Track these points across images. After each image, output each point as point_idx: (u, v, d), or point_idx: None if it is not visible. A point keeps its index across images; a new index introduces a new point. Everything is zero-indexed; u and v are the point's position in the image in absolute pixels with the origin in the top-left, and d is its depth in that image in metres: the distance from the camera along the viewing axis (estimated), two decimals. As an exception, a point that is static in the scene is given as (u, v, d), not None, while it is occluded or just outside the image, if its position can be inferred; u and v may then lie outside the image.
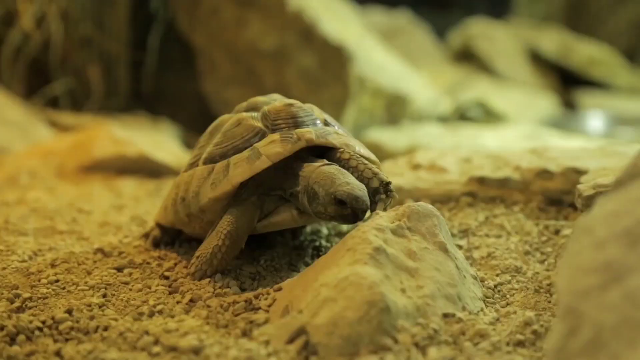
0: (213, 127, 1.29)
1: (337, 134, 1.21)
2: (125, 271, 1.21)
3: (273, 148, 1.14)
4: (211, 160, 1.20)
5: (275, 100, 1.26)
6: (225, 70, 2.46)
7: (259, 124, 1.20)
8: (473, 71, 4.41)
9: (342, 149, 1.18)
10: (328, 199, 1.08)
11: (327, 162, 1.15)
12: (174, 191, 1.26)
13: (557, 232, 1.34)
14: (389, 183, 1.15)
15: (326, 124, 1.24)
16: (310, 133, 1.17)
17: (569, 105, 4.22)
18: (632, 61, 4.36)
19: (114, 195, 1.77)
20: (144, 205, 1.69)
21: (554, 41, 4.28)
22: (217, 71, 2.47)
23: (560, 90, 4.34)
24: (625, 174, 0.86)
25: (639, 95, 4.16)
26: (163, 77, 2.60)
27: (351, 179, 1.10)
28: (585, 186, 1.24)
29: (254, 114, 1.23)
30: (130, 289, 1.14)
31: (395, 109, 2.63)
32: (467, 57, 4.64)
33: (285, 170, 1.16)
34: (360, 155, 1.19)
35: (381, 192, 1.15)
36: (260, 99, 1.28)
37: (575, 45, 4.24)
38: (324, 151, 1.19)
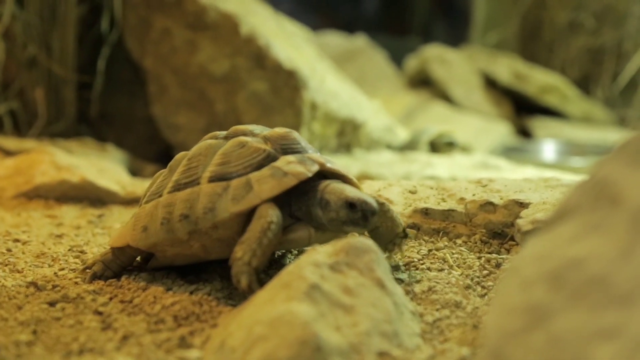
0: (172, 164, 1.32)
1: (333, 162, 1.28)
2: (58, 306, 1.17)
3: (296, 168, 1.20)
4: (221, 178, 1.21)
5: (256, 129, 1.29)
6: (175, 94, 2.43)
7: (266, 147, 1.24)
8: (429, 97, 4.44)
9: (347, 176, 1.27)
10: (340, 204, 1.17)
11: (334, 180, 1.24)
12: (164, 210, 1.24)
13: (498, 265, 1.33)
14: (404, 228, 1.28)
15: None
16: (321, 158, 1.24)
17: (523, 133, 4.27)
18: (584, 90, 4.43)
19: (54, 224, 1.73)
20: (85, 234, 1.65)
21: (508, 69, 4.34)
22: (167, 95, 2.44)
23: (515, 118, 4.39)
24: (555, 213, 0.85)
25: (591, 124, 4.23)
26: (111, 101, 2.56)
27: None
28: (524, 221, 1.25)
29: (251, 138, 1.26)
30: (62, 325, 1.11)
31: (348, 136, 2.63)
32: (424, 83, 4.68)
33: (292, 190, 1.20)
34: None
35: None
36: (241, 127, 1.30)
37: (529, 73, 4.30)
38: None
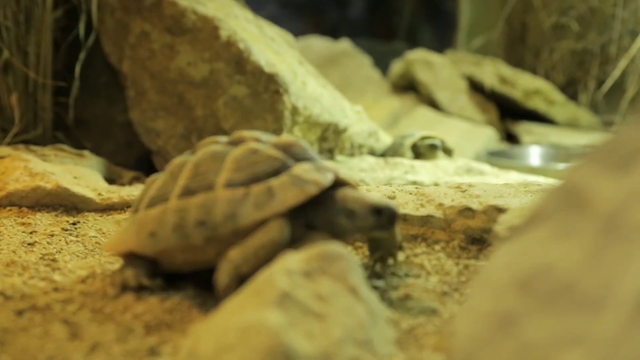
0: (174, 170, 1.29)
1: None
2: (26, 315, 1.15)
3: (314, 176, 1.21)
4: (237, 184, 1.21)
5: (262, 136, 1.29)
6: (154, 99, 2.41)
7: (277, 154, 1.23)
8: (414, 102, 4.43)
9: (355, 184, 1.30)
10: (366, 212, 1.20)
11: (346, 187, 1.26)
12: (175, 216, 1.22)
13: (476, 272, 1.32)
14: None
15: None
16: (332, 166, 1.26)
17: (509, 138, 4.27)
18: (569, 94, 4.44)
19: (27, 232, 1.69)
20: (59, 242, 1.62)
21: (493, 74, 4.33)
22: (145, 100, 2.42)
23: (500, 122, 4.39)
24: (527, 219, 0.85)
25: (577, 129, 4.23)
26: (89, 106, 2.53)
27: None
28: (502, 227, 1.23)
29: (261, 144, 1.25)
30: (29, 335, 1.08)
31: (330, 141, 2.61)
32: (409, 88, 4.67)
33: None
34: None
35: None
36: (246, 133, 1.30)
37: (514, 78, 4.30)
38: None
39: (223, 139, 1.32)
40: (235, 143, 1.28)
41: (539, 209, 0.84)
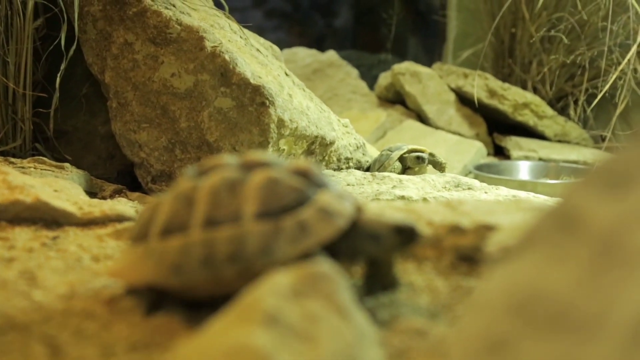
0: (186, 195, 1.24)
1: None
2: (4, 335, 1.12)
3: (339, 206, 1.21)
4: (268, 217, 1.18)
5: (273, 159, 1.27)
6: (136, 110, 2.37)
7: (298, 183, 1.22)
8: (401, 115, 4.43)
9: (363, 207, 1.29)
10: (391, 233, 1.21)
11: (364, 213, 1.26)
12: (202, 250, 1.18)
13: (467, 291, 1.30)
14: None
15: None
16: (347, 193, 1.27)
17: (497, 151, 4.27)
18: (558, 108, 4.44)
19: (5, 247, 1.65)
20: (38, 257, 1.58)
21: (481, 87, 4.33)
22: (128, 112, 2.38)
23: (489, 136, 4.38)
24: (522, 241, 0.83)
25: (565, 144, 4.23)
26: (70, 118, 2.49)
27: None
28: (493, 247, 1.21)
29: (277, 172, 1.22)
30: (8, 356, 1.05)
31: (317, 154, 2.59)
32: (396, 100, 4.67)
33: None
34: None
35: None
36: (257, 157, 1.26)
37: (502, 91, 4.29)
38: None
39: (231, 160, 1.28)
40: (248, 167, 1.25)
41: (533, 230, 0.83)
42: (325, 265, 1.08)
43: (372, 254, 1.26)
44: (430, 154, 2.89)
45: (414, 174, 2.78)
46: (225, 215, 1.20)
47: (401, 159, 2.82)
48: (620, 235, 0.72)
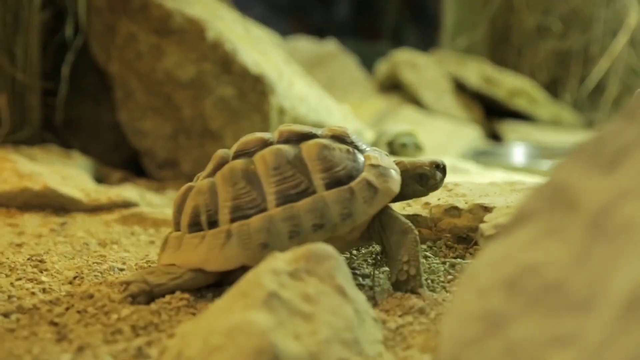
0: (245, 174, 1.26)
1: None
2: (13, 317, 1.14)
3: (387, 162, 1.29)
4: (337, 183, 1.24)
5: (310, 129, 1.31)
6: (141, 100, 2.40)
7: (346, 146, 1.28)
8: (399, 101, 4.43)
9: None
10: (432, 168, 1.34)
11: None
12: (287, 224, 1.22)
13: (463, 270, 1.32)
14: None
15: None
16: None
17: (493, 136, 4.29)
18: (552, 93, 4.46)
19: (14, 233, 1.69)
20: (46, 243, 1.62)
21: (478, 73, 4.35)
22: (132, 101, 2.41)
23: (485, 122, 4.40)
24: (513, 218, 0.84)
25: (560, 127, 4.26)
26: (77, 107, 2.52)
27: None
28: (487, 226, 1.24)
29: (326, 140, 1.28)
30: (16, 337, 1.08)
31: (317, 140, 2.61)
32: (394, 88, 4.67)
33: None
34: None
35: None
36: (295, 128, 1.30)
37: (498, 77, 4.32)
38: None
39: (270, 135, 1.30)
40: (290, 139, 1.28)
41: (524, 207, 0.84)
42: (324, 245, 1.10)
43: (420, 194, 1.37)
44: (409, 133, 2.88)
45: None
46: (295, 187, 1.24)
47: (389, 143, 2.83)
48: (610, 211, 0.73)
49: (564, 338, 0.67)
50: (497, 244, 0.83)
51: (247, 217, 1.24)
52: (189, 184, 1.32)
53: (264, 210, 1.24)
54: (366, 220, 1.24)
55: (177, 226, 1.31)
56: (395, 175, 1.27)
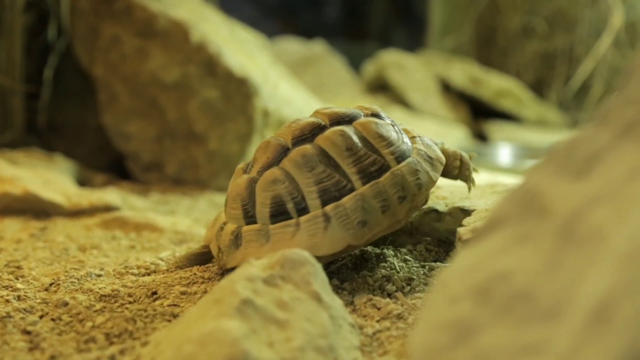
0: (322, 158, 1.28)
1: None
2: (-16, 326, 1.13)
3: (427, 136, 1.40)
4: (403, 156, 1.30)
5: (347, 109, 1.35)
6: (125, 103, 2.39)
7: (387, 120, 1.35)
8: (387, 102, 4.44)
9: None
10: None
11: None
12: (377, 200, 1.26)
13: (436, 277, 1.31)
14: None
15: None
16: None
17: (480, 137, 4.30)
18: (538, 94, 4.49)
19: (-7, 238, 1.68)
20: (25, 248, 1.61)
21: (464, 74, 4.37)
22: (117, 104, 2.40)
23: (471, 122, 4.42)
24: (486, 224, 0.84)
25: (546, 128, 4.27)
26: (61, 111, 2.51)
27: None
28: (465, 230, 1.23)
29: (372, 118, 1.33)
30: (-13, 346, 1.07)
31: (303, 142, 2.60)
32: (381, 88, 4.68)
33: None
34: None
35: None
36: (335, 109, 1.33)
37: (484, 78, 4.34)
38: None
39: (314, 119, 1.32)
40: (339, 122, 1.31)
41: (497, 213, 0.83)
42: (300, 251, 1.10)
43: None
44: None
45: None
46: (373, 165, 1.27)
47: None
48: (581, 218, 0.72)
49: (533, 347, 0.66)
50: (469, 251, 0.82)
51: (337, 198, 1.25)
52: (246, 176, 1.31)
53: (352, 190, 1.26)
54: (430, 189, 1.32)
55: (248, 220, 1.29)
56: (433, 144, 1.37)
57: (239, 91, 2.36)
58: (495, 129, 4.17)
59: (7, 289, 1.31)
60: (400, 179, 1.27)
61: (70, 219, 1.88)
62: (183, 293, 1.25)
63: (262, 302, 1.00)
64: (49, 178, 2.05)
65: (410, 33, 6.44)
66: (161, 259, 1.48)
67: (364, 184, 1.26)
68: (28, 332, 1.11)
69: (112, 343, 1.08)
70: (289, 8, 6.77)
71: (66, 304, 1.21)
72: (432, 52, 4.99)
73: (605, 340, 0.61)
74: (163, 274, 1.39)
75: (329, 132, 1.28)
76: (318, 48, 5.06)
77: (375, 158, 1.27)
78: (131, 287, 1.29)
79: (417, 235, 1.46)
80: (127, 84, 2.42)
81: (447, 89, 4.48)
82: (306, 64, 4.75)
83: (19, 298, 1.26)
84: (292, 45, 5.04)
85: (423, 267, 1.35)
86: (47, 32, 2.43)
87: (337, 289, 1.26)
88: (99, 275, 1.39)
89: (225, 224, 1.32)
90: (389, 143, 1.29)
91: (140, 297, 1.25)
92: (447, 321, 0.74)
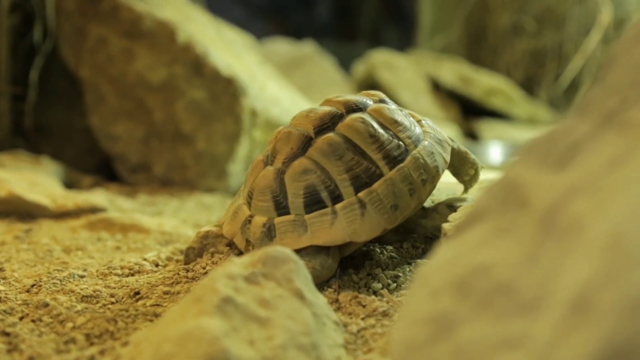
0: (349, 147, 1.29)
1: None
2: (-36, 327, 1.12)
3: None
4: (417, 140, 1.33)
5: (355, 97, 1.37)
6: (112, 104, 2.38)
7: (396, 105, 1.39)
8: (378, 102, 4.43)
9: None
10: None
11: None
12: (404, 184, 1.28)
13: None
14: None
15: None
16: None
17: (470, 136, 4.29)
18: (528, 92, 4.50)
19: (-23, 241, 1.66)
20: (9, 251, 1.59)
21: (454, 73, 4.38)
22: (104, 105, 2.39)
23: (461, 120, 4.42)
24: (467, 217, 0.83)
25: (536, 125, 4.28)
26: (48, 112, 2.50)
27: None
28: (449, 225, 1.22)
29: (382, 104, 1.36)
30: (-35, 349, 1.05)
31: (291, 142, 2.60)
32: (371, 88, 4.67)
33: None
34: None
35: None
36: (348, 98, 1.36)
37: (474, 76, 4.34)
38: None
39: (330, 108, 1.33)
40: (355, 110, 1.33)
41: (478, 206, 0.83)
42: (282, 248, 1.08)
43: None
44: None
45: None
46: (396, 149, 1.29)
47: None
48: (560, 209, 0.71)
49: (513, 340, 0.65)
50: (450, 245, 0.81)
51: (368, 184, 1.26)
52: (271, 167, 1.30)
53: (381, 175, 1.27)
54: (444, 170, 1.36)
55: (280, 211, 1.27)
56: (438, 128, 1.42)
57: (226, 91, 2.34)
58: (485, 127, 4.17)
59: (-12, 291, 1.29)
60: (422, 162, 1.30)
61: (56, 220, 1.87)
62: (166, 293, 1.24)
63: (243, 300, 0.98)
64: (35, 180, 2.03)
65: (401, 33, 6.45)
66: (146, 260, 1.47)
67: (390, 169, 1.28)
68: (7, 334, 1.09)
69: (92, 344, 1.06)
70: (279, 9, 6.78)
71: (47, 305, 1.20)
72: (422, 52, 4.99)
73: (585, 331, 0.60)
74: (147, 274, 1.38)
75: (349, 119, 1.30)
76: (307, 49, 5.05)
77: (397, 144, 1.29)
78: (114, 288, 1.28)
79: (404, 232, 1.44)
80: (114, 85, 2.40)
81: (438, 88, 4.48)
82: (295, 64, 4.74)
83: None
84: (282, 46, 5.04)
85: (409, 264, 1.34)
86: (32, 34, 2.41)
87: (322, 287, 1.24)
88: (82, 276, 1.38)
89: (252, 216, 1.30)
90: (404, 128, 1.32)
91: (122, 298, 1.24)
92: (427, 316, 0.73)
